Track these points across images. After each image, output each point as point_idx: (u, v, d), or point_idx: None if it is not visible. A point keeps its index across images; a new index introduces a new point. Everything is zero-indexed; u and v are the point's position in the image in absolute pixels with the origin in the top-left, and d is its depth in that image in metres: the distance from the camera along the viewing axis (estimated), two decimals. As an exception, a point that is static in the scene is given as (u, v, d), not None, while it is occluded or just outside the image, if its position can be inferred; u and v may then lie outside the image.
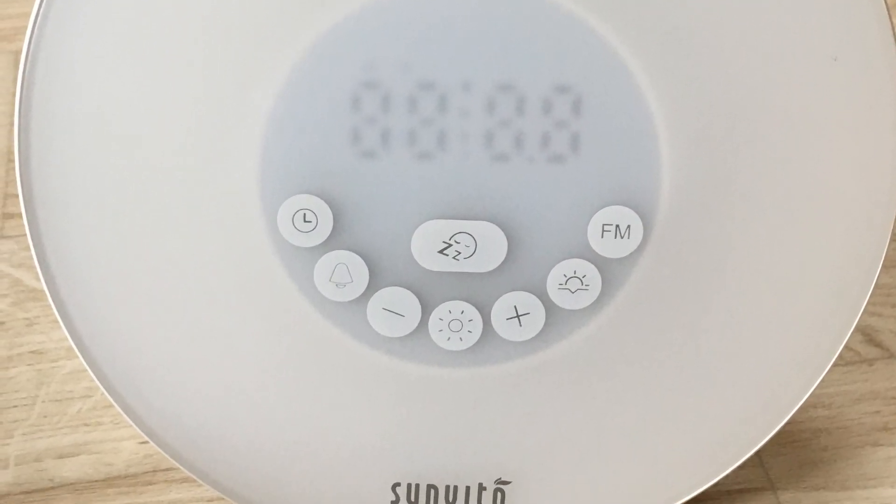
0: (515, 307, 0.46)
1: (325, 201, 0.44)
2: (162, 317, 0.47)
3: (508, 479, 0.50)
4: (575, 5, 0.42)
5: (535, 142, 0.43)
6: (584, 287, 0.46)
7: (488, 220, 0.44)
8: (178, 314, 0.47)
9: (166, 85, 0.43)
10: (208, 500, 0.55)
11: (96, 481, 0.56)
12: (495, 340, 0.47)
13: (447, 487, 0.50)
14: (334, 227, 0.45)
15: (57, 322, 0.47)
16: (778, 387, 0.49)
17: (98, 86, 0.43)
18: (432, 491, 0.50)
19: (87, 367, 0.47)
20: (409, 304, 0.46)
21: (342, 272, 0.45)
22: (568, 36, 0.42)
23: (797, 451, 0.57)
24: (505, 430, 0.49)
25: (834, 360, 0.48)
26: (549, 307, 0.46)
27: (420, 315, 0.46)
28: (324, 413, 0.49)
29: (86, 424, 0.58)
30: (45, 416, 0.58)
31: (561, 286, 0.45)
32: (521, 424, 0.49)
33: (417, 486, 0.50)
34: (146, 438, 0.49)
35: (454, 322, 0.46)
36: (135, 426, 0.49)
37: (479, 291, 0.46)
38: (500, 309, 0.46)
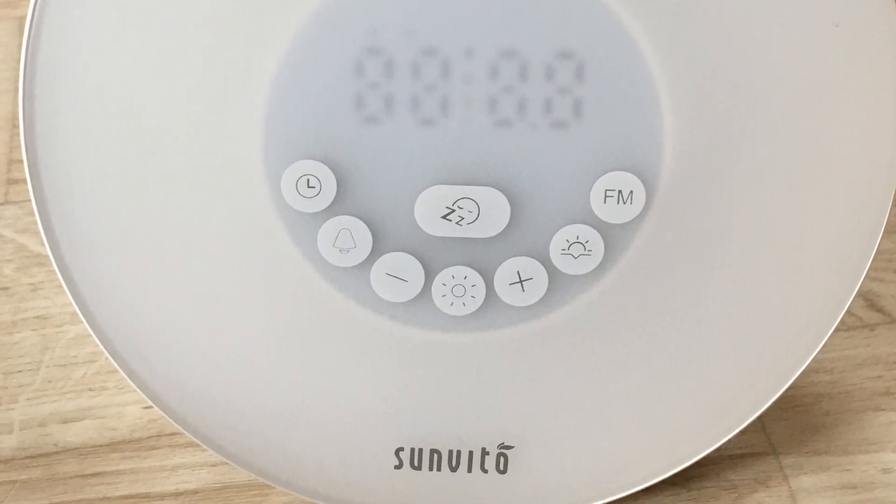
0: (518, 272, 0.46)
1: (329, 167, 0.44)
2: (166, 282, 0.47)
3: (511, 444, 0.50)
4: (578, -29, 0.42)
5: (538, 108, 0.43)
6: (586, 252, 0.46)
7: (491, 186, 0.44)
8: (182, 280, 0.47)
9: (170, 51, 0.43)
10: (212, 465, 0.55)
11: (100, 446, 0.56)
12: (498, 306, 0.47)
13: (450, 452, 0.50)
14: (338, 193, 0.45)
15: (61, 287, 0.47)
16: (780, 352, 0.49)
17: (102, 52, 0.43)
18: (435, 455, 0.50)
19: (92, 333, 0.48)
20: (412, 269, 0.46)
21: (346, 237, 0.45)
22: (571, 2, 0.42)
23: (799, 416, 0.57)
24: (508, 395, 0.49)
25: (836, 325, 0.48)
26: (552, 272, 0.46)
27: (423, 280, 0.46)
28: (327, 378, 0.49)
29: (90, 389, 0.58)
30: (50, 381, 0.59)
31: (564, 251, 0.46)
32: (523, 389, 0.49)
33: (420, 450, 0.50)
34: (150, 403, 0.49)
35: (457, 287, 0.46)
36: (139, 391, 0.49)
37: (482, 257, 0.46)
38: (503, 274, 0.46)
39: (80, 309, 0.47)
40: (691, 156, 0.44)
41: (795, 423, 0.57)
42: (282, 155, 0.44)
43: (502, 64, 0.43)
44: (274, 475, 0.51)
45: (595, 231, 0.45)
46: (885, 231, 0.46)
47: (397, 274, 0.46)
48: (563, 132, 0.44)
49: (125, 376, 0.48)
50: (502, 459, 0.50)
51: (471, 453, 0.50)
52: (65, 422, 0.57)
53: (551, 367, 0.48)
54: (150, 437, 0.56)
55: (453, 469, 0.50)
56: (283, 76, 0.43)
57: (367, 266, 0.46)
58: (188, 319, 0.48)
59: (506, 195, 0.45)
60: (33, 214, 0.45)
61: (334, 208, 0.45)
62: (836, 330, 0.48)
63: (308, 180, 0.44)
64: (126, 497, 0.54)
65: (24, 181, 0.45)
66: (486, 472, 0.51)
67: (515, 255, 0.46)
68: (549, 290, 0.47)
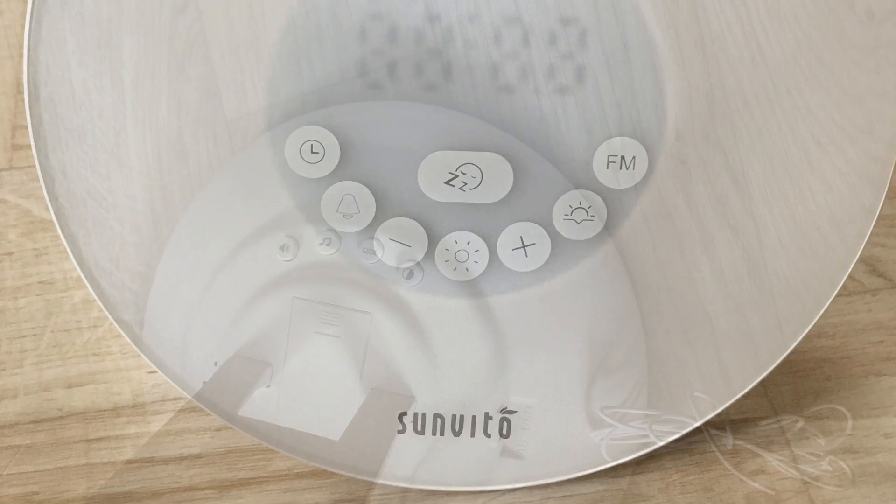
0: (521, 238, 0.46)
1: (333, 132, 0.44)
2: (170, 247, 0.47)
3: (514, 409, 0.50)
4: (581, -64, 0.42)
5: (541, 74, 0.43)
6: (589, 218, 0.46)
7: (494, 151, 0.44)
8: (186, 246, 0.47)
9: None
10: (216, 430, 0.55)
11: (105, 411, 0.56)
12: (501, 271, 0.47)
13: (453, 417, 0.50)
14: (341, 158, 0.45)
15: (66, 252, 0.47)
16: (782, 317, 0.49)
17: (106, 17, 0.43)
18: (438, 420, 0.50)
19: (96, 297, 0.48)
20: (415, 234, 0.46)
21: (349, 203, 0.45)
22: (574, -33, 0.42)
23: (801, 381, 0.57)
24: (510, 360, 0.49)
25: (838, 290, 0.48)
26: (555, 238, 0.46)
27: (426, 245, 0.46)
28: (330, 344, 0.49)
29: (94, 354, 0.58)
30: (54, 346, 0.59)
31: (566, 217, 0.46)
32: (526, 354, 0.49)
33: (424, 415, 0.50)
34: (154, 368, 0.49)
35: (460, 252, 0.46)
36: (143, 356, 0.49)
37: (485, 222, 0.46)
38: (506, 239, 0.46)
39: (84, 274, 0.47)
40: (693, 121, 0.44)
41: (797, 388, 0.57)
42: (286, 121, 0.44)
43: (505, 30, 0.43)
44: (277, 440, 0.51)
45: (598, 196, 0.45)
46: (888, 197, 0.46)
47: (400, 239, 0.46)
48: (565, 98, 0.44)
49: (129, 341, 0.49)
50: (505, 424, 0.50)
51: (473, 418, 0.50)
52: (69, 386, 0.57)
53: (553, 331, 0.49)
54: (154, 401, 0.57)
55: (456, 434, 0.50)
56: (287, 43, 0.43)
57: (370, 231, 0.46)
58: (192, 286, 0.48)
59: (508, 161, 0.45)
60: (38, 180, 0.45)
61: (338, 174, 0.45)
62: (838, 295, 0.48)
63: (312, 146, 0.44)
64: (130, 461, 0.54)
65: (29, 147, 0.45)
66: (489, 436, 0.51)
67: (518, 221, 0.46)
68: (551, 255, 0.47)
